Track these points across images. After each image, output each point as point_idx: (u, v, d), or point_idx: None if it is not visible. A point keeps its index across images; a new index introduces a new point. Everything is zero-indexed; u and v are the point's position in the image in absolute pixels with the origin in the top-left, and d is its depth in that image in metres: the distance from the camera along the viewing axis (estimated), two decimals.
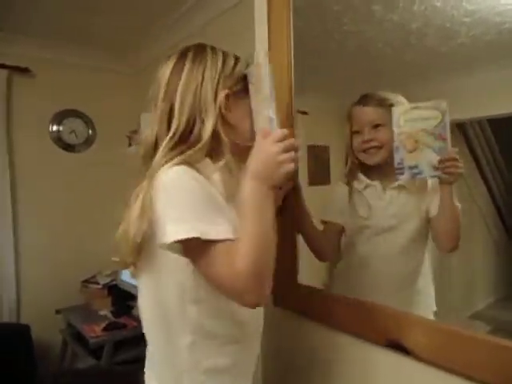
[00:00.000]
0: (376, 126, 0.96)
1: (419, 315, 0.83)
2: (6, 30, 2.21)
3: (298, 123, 1.10)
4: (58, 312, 2.41)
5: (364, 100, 0.99)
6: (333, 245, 1.07)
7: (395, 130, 0.84)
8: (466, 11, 0.89)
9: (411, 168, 0.82)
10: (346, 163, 1.05)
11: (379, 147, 0.96)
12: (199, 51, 0.75)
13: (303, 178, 1.12)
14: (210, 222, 0.61)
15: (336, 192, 1.11)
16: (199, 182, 0.64)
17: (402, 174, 0.83)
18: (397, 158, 0.83)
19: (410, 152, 0.82)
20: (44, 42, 2.40)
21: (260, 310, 0.81)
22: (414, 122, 0.82)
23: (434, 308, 0.94)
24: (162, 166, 0.66)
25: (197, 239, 0.59)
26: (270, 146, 0.61)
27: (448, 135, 0.79)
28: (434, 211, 0.91)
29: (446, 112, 0.79)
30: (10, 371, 2.05)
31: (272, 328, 0.87)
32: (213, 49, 0.76)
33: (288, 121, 1.01)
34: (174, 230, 0.60)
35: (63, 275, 2.56)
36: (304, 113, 1.15)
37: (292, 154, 0.61)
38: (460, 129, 0.96)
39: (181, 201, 0.63)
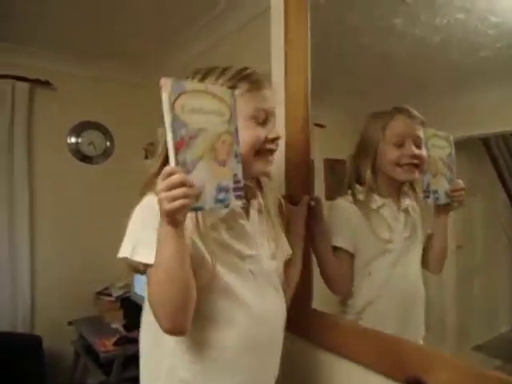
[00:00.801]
0: (417, 143, 0.90)
1: (441, 351, 0.78)
2: (27, 44, 2.27)
3: (314, 136, 1.08)
4: (70, 324, 2.41)
5: (406, 112, 0.93)
6: (347, 276, 0.98)
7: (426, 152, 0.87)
8: (491, 24, 0.85)
9: (434, 193, 0.86)
10: (362, 179, 0.97)
11: (419, 166, 0.90)
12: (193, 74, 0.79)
13: (320, 193, 1.08)
14: (148, 247, 0.66)
15: (343, 210, 1.02)
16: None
17: (428, 197, 0.86)
18: (425, 181, 0.86)
19: (433, 177, 0.86)
20: (64, 56, 2.45)
21: (251, 346, 0.77)
22: (435, 148, 0.87)
23: (423, 332, 0.91)
24: (145, 194, 0.74)
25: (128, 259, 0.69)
26: (158, 184, 0.60)
27: (455, 167, 0.86)
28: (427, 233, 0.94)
29: (453, 145, 0.86)
30: (21, 382, 2.05)
31: (282, 354, 0.83)
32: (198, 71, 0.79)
33: (303, 134, 0.99)
34: (121, 248, 0.71)
35: (78, 286, 2.55)
36: (321, 126, 1.13)
37: (173, 192, 0.57)
38: (483, 142, 0.93)
39: (134, 226, 0.72)
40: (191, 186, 0.58)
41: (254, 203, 0.84)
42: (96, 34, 2.17)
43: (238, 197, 0.66)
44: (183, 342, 0.75)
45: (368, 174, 0.96)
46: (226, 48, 1.92)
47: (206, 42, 2.09)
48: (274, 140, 0.79)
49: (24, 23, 2.03)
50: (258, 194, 0.86)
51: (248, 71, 0.78)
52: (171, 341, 0.75)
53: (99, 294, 2.56)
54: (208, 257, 0.72)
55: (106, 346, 2.07)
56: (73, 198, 2.60)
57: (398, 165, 0.92)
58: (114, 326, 2.33)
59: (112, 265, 2.33)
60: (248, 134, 0.75)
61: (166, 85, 0.59)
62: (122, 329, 2.28)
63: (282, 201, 1.00)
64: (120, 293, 2.50)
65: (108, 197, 2.64)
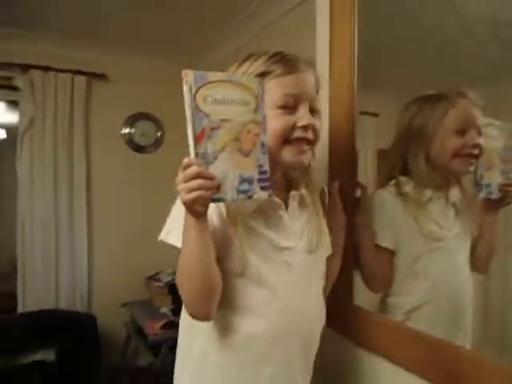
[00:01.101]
0: (479, 131, 0.82)
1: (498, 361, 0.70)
2: (84, 38, 2.37)
3: (366, 126, 1.02)
4: (123, 305, 2.53)
5: (469, 97, 0.84)
6: (387, 274, 0.92)
7: None
8: None
9: (487, 186, 0.80)
10: (409, 169, 0.90)
11: (477, 156, 0.82)
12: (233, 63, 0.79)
13: (372, 184, 1.02)
14: (179, 233, 0.68)
15: (385, 203, 0.95)
16: None
17: (481, 190, 0.80)
18: (478, 174, 0.81)
19: (487, 170, 0.80)
20: (118, 49, 2.54)
21: (282, 339, 0.75)
22: (489, 139, 0.80)
23: (470, 336, 0.84)
24: None
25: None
26: (178, 175, 0.61)
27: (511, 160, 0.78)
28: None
29: (508, 136, 0.79)
30: (77, 360, 2.20)
31: (321, 352, 0.80)
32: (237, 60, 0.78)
33: (348, 121, 0.93)
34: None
35: (132, 270, 2.67)
36: (375, 115, 1.07)
37: (190, 183, 0.58)
38: None
39: (172, 213, 0.77)
40: (210, 177, 0.59)
41: (295, 195, 0.80)
42: (147, 26, 2.22)
43: (263, 188, 0.65)
44: (214, 329, 0.75)
45: (421, 164, 0.88)
46: (273, 37, 1.88)
47: (253, 30, 2.06)
48: (305, 128, 0.73)
49: (80, 18, 2.12)
50: (303, 185, 0.82)
51: (283, 54, 0.75)
52: (204, 326, 0.75)
53: (150, 278, 2.66)
54: (238, 245, 0.71)
55: (154, 328, 2.15)
56: (127, 186, 2.71)
57: (458, 155, 0.83)
58: (162, 310, 2.41)
59: (163, 250, 2.43)
60: (275, 122, 0.71)
61: (188, 76, 0.59)
62: (170, 313, 2.35)
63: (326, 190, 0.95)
64: (168, 279, 2.58)
65: (159, 184, 2.71)
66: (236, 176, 0.62)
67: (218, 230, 0.72)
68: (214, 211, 0.72)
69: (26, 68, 2.30)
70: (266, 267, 0.74)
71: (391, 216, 0.93)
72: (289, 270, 0.76)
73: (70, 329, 2.29)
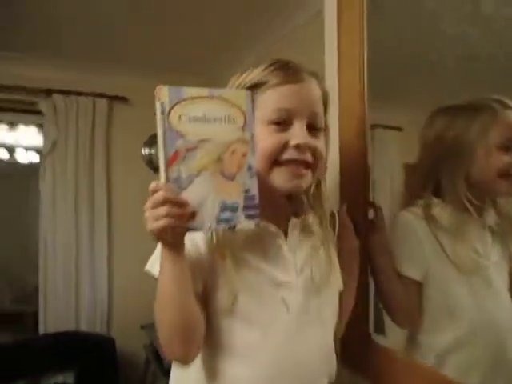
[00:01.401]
0: None
1: None
2: (103, 62, 2.42)
3: (389, 141, 0.96)
4: (142, 327, 2.48)
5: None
6: (414, 307, 0.82)
7: None
8: None
9: None
10: (442, 190, 0.80)
11: None
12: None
13: (396, 201, 0.94)
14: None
15: (410, 227, 0.85)
16: None
17: None
18: None
19: None
20: (138, 71, 2.55)
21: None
22: None
23: None
24: None
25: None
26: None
27: None
28: None
29: None
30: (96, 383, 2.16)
31: None
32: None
33: (359, 138, 0.85)
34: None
35: (152, 292, 2.62)
36: (398, 129, 1.00)
37: (158, 210, 0.52)
38: None
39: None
40: (182, 203, 0.52)
41: (296, 222, 0.71)
42: (165, 49, 2.24)
43: (249, 216, 0.57)
44: (202, 374, 0.68)
45: (459, 184, 0.77)
46: (284, 53, 1.84)
47: (266, 45, 2.03)
48: (299, 148, 0.64)
49: (100, 43, 2.16)
50: (311, 210, 0.73)
51: (283, 62, 0.67)
52: (193, 371, 0.68)
53: None
54: (227, 278, 0.63)
55: None
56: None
57: (505, 174, 0.73)
58: None
59: None
60: (264, 140, 0.63)
61: (160, 92, 0.54)
62: None
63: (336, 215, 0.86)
64: None
65: None
66: (216, 202, 0.55)
67: (205, 260, 0.65)
68: (201, 237, 0.65)
69: (49, 92, 2.37)
70: (257, 305, 0.66)
71: (418, 242, 0.82)
72: (286, 308, 0.67)
73: (90, 351, 2.27)
